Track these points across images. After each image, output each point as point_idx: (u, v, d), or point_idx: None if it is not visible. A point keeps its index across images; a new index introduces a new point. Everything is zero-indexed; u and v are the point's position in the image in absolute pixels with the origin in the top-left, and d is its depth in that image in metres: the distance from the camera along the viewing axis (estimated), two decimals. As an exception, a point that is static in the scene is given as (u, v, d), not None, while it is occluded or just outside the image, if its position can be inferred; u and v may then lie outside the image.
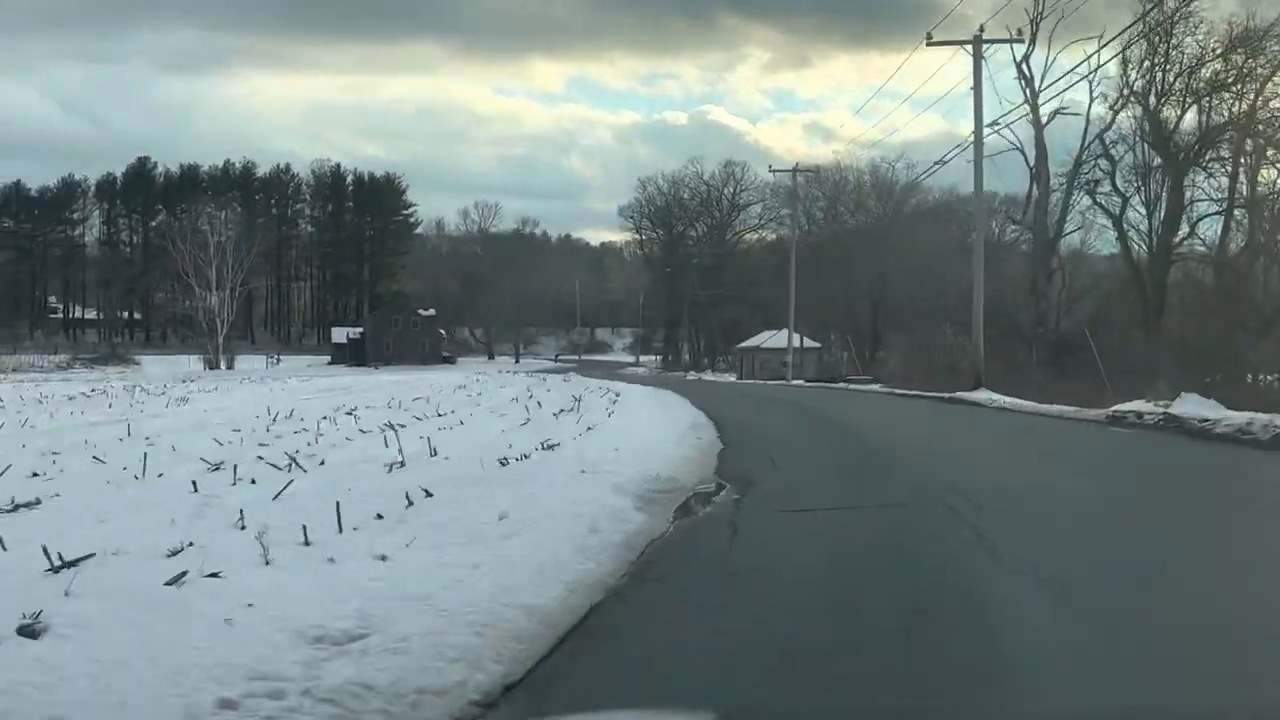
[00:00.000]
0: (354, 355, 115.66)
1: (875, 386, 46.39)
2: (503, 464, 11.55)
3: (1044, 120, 42.59)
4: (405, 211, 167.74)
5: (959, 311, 48.12)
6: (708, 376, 75.48)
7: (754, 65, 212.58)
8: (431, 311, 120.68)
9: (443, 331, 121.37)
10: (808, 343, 71.46)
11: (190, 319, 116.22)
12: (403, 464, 11.86)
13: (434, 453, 13.14)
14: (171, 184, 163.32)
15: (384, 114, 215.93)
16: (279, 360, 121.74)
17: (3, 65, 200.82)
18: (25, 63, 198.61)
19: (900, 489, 10.79)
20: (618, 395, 31.13)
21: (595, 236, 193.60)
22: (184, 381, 67.59)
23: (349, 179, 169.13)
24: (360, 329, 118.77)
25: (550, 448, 13.66)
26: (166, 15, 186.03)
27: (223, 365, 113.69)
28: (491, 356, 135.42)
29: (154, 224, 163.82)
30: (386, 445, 14.35)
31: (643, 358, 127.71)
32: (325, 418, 21.55)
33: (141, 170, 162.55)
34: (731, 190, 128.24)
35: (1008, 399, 28.82)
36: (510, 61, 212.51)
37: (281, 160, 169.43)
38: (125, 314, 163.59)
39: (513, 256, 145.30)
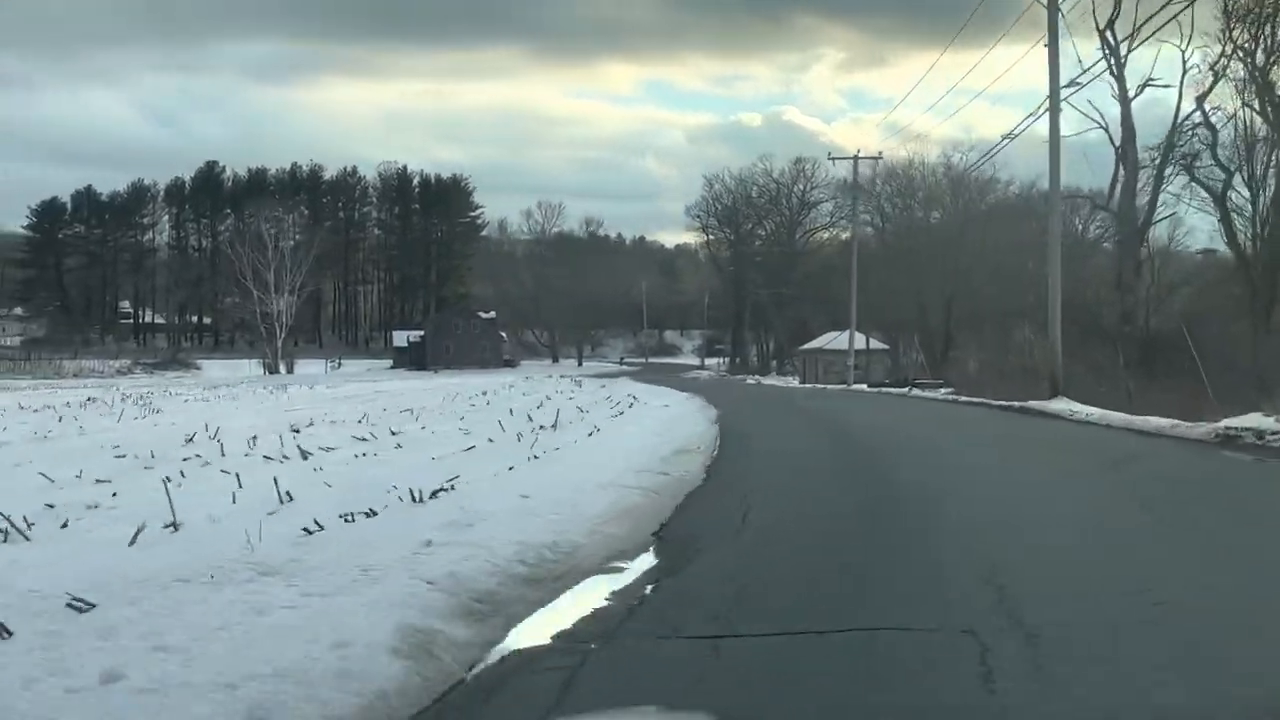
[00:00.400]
0: (414, 359, 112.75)
1: (942, 393, 41.85)
2: (308, 533, 7.54)
3: (1131, 94, 37.81)
4: (472, 213, 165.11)
5: (1037, 310, 43.57)
6: (769, 381, 71.00)
7: (829, 65, 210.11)
8: (492, 314, 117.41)
9: (503, 334, 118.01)
10: (875, 344, 66.84)
11: (250, 323, 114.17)
12: (169, 529, 7.90)
13: (282, 499, 9.25)
14: (239, 188, 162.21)
15: (460, 119, 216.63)
16: (340, 364, 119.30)
17: (91, 75, 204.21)
18: (113, 73, 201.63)
19: (920, 595, 6.42)
20: (632, 403, 27.19)
21: (670, 239, 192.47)
22: (217, 387, 64.73)
23: (415, 181, 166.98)
24: (421, 332, 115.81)
25: (438, 494, 9.64)
26: (251, 26, 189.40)
27: (282, 369, 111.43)
28: (556, 359, 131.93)
29: (222, 228, 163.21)
30: (240, 484, 10.49)
31: (709, 360, 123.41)
32: (254, 438, 17.78)
33: (210, 174, 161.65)
34: (802, 187, 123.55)
35: (1090, 409, 24.22)
36: (584, 65, 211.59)
37: (349, 163, 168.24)
38: (194, 318, 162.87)
39: (579, 258, 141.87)
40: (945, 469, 13.55)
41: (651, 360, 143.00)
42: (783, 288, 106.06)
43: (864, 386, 50.91)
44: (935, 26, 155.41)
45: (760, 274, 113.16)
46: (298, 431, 19.01)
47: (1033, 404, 27.18)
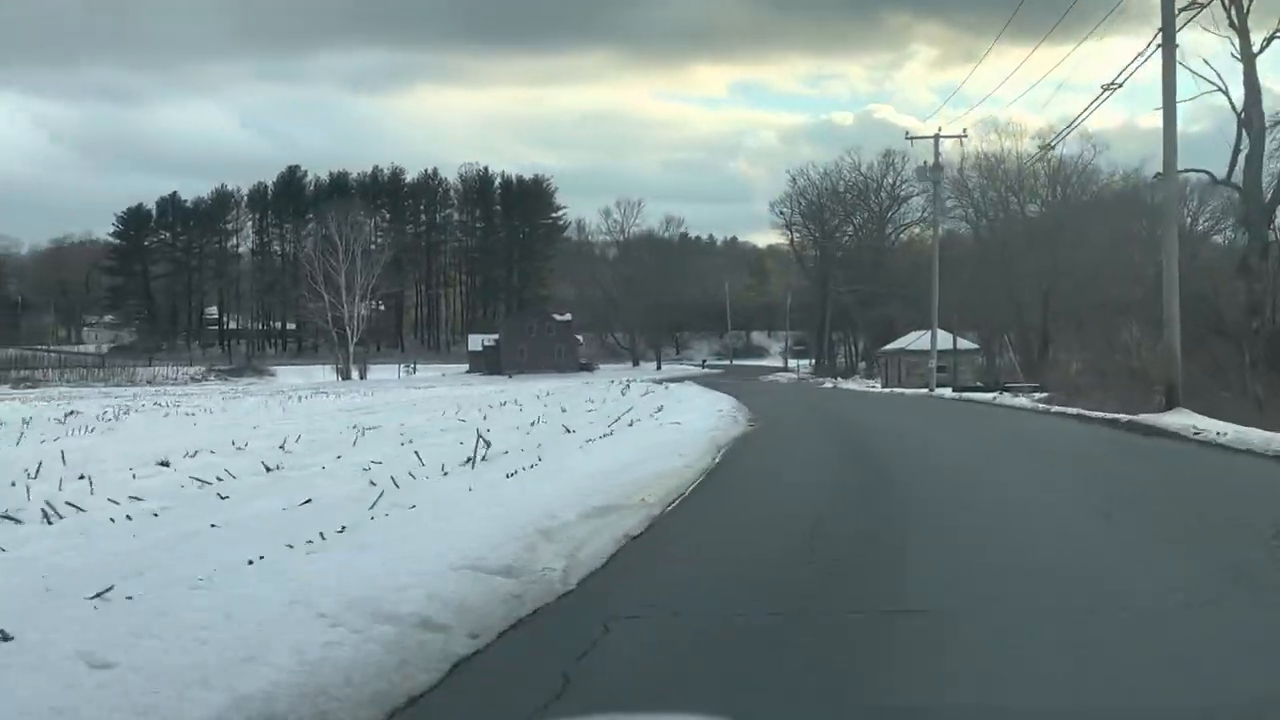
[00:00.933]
0: (489, 363, 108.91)
1: (1035, 398, 36.27)
2: None
3: (1255, 48, 31.91)
4: (554, 214, 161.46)
5: (1144, 306, 37.85)
6: (848, 385, 65.37)
7: (922, 62, 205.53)
8: (567, 316, 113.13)
9: (579, 337, 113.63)
10: (965, 343, 60.94)
11: (324, 328, 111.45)
12: None
13: None
14: (321, 192, 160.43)
15: (553, 124, 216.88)
16: (414, 369, 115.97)
17: (195, 87, 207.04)
18: (216, 85, 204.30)
19: None
20: (653, 414, 22.29)
21: (762, 240, 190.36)
22: (270, 394, 61.15)
23: (497, 182, 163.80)
24: (496, 336, 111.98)
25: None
26: (349, 37, 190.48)
27: (355, 375, 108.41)
28: (636, 363, 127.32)
29: (304, 233, 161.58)
30: None
31: (795, 362, 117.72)
32: (128, 471, 13.36)
33: (292, 179, 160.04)
34: (891, 181, 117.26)
35: (1220, 426, 18.66)
36: (674, 68, 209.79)
37: (430, 165, 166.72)
38: (278, 324, 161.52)
39: (662, 259, 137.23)
40: (1023, 544, 8.40)
41: (736, 362, 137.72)
42: (870, 286, 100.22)
43: (947, 391, 45.32)
44: (1029, 18, 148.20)
45: (846, 272, 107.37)
46: (166, 465, 14.46)
47: (1144, 418, 21.60)
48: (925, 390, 47.04)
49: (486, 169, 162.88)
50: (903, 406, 33.56)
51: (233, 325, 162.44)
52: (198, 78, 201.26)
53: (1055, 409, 28.98)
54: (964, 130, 46.87)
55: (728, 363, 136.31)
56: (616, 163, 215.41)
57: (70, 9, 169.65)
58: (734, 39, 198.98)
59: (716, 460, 14.71)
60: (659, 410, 24.55)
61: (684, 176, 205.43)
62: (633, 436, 16.91)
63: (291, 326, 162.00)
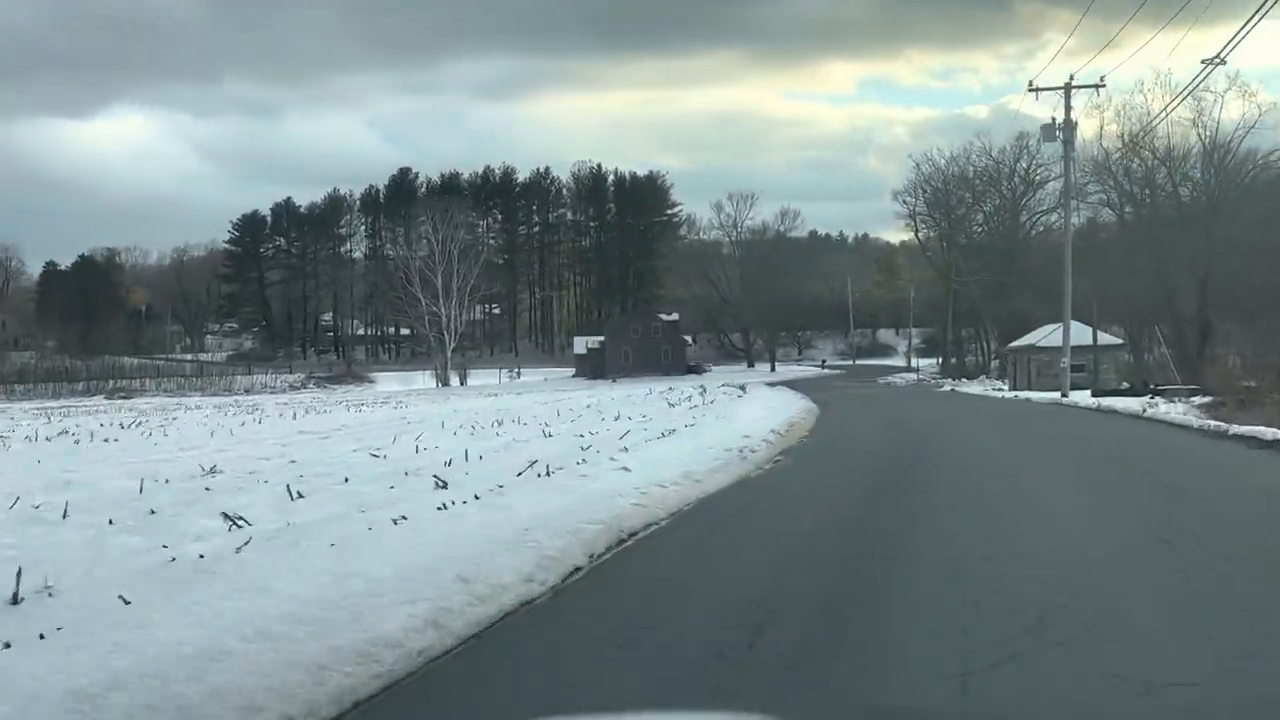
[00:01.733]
0: (592, 367, 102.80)
1: (1193, 408, 28.24)
2: None
3: None
4: (670, 211, 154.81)
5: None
6: (968, 388, 57.02)
7: (1056, 51, 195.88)
8: (674, 316, 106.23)
9: (688, 338, 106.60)
10: (1105, 337, 52.28)
11: (421, 333, 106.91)
12: None
13: None
14: (433, 193, 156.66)
15: (677, 126, 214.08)
16: (518, 374, 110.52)
17: (329, 100, 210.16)
18: (349, 97, 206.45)
19: None
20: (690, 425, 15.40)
21: (895, 236, 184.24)
22: (330, 403, 55.77)
23: (610, 180, 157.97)
24: (600, 338, 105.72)
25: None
26: (478, 45, 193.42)
27: (455, 381, 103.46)
28: (750, 364, 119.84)
29: (414, 235, 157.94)
30: None
31: (919, 361, 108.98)
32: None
33: (403, 181, 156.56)
34: (1025, 165, 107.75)
35: None
36: (801, 66, 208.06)
37: (542, 164, 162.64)
38: (391, 329, 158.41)
39: (781, 255, 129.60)
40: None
41: (859, 362, 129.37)
42: (1001, 278, 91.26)
43: (1084, 396, 37.18)
44: (1170, 3, 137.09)
45: (975, 262, 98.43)
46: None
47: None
48: (1058, 394, 39.00)
49: (599, 166, 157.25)
50: (1018, 423, 25.88)
51: (347, 331, 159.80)
52: (332, 90, 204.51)
53: (1213, 425, 21.25)
54: (1101, 79, 38.15)
55: (850, 363, 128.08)
56: (742, 163, 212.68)
57: (211, 27, 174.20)
58: (862, 34, 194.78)
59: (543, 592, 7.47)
60: (665, 435, 17.60)
61: (812, 175, 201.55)
62: (496, 509, 9.92)
63: (405, 332, 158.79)
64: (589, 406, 30.40)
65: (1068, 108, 36.87)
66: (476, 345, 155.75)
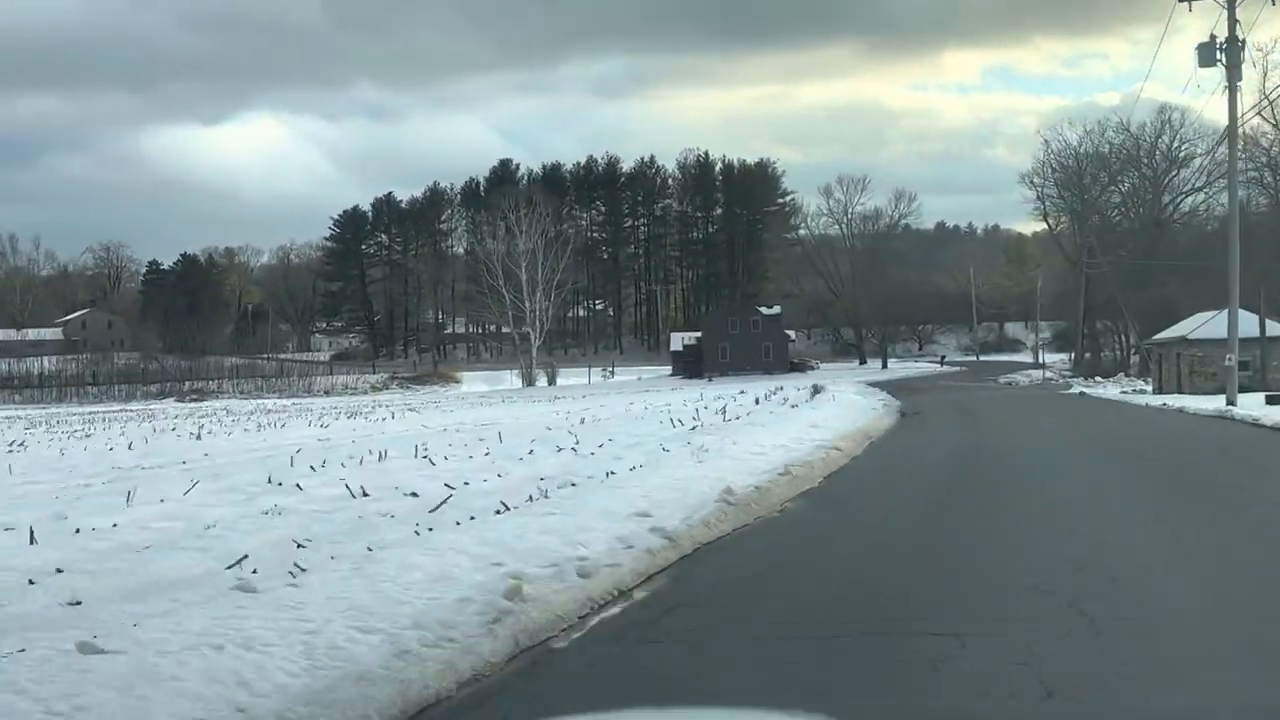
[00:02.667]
0: (688, 365, 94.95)
1: None
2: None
3: None
4: (780, 200, 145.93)
5: None
6: (1103, 390, 47.39)
7: (1195, 35, 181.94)
8: (775, 310, 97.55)
9: (790, 333, 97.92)
10: (1273, 327, 42.50)
11: (506, 332, 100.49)
12: None
13: None
14: (534, 185, 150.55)
15: (794, 120, 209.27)
16: (612, 373, 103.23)
17: (451, 102, 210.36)
18: (471, 98, 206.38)
19: None
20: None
21: (1028, 228, 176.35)
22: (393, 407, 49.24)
23: (718, 169, 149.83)
24: (698, 334, 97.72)
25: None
26: (597, 44, 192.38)
27: (543, 380, 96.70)
28: (862, 360, 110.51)
29: (503, 227, 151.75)
30: None
31: (1050, 357, 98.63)
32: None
33: (504, 173, 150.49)
34: (1168, 141, 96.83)
35: None
36: (923, 56, 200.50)
37: (647, 153, 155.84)
38: (493, 326, 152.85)
39: (897, 244, 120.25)
40: None
41: (982, 358, 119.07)
42: (1142, 261, 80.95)
43: (1256, 404, 28.13)
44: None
45: (1113, 248, 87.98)
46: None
47: None
48: (1220, 400, 29.88)
49: (707, 154, 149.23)
50: (1177, 460, 17.23)
51: (449, 329, 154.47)
52: (454, 93, 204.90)
53: None
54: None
55: (972, 359, 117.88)
56: (861, 157, 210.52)
57: (339, 32, 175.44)
58: (984, 22, 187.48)
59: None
60: (620, 470, 9.95)
61: (936, 168, 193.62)
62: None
63: (506, 330, 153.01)
64: (571, 426, 22.62)
65: (1232, 19, 27.60)
66: (580, 343, 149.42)
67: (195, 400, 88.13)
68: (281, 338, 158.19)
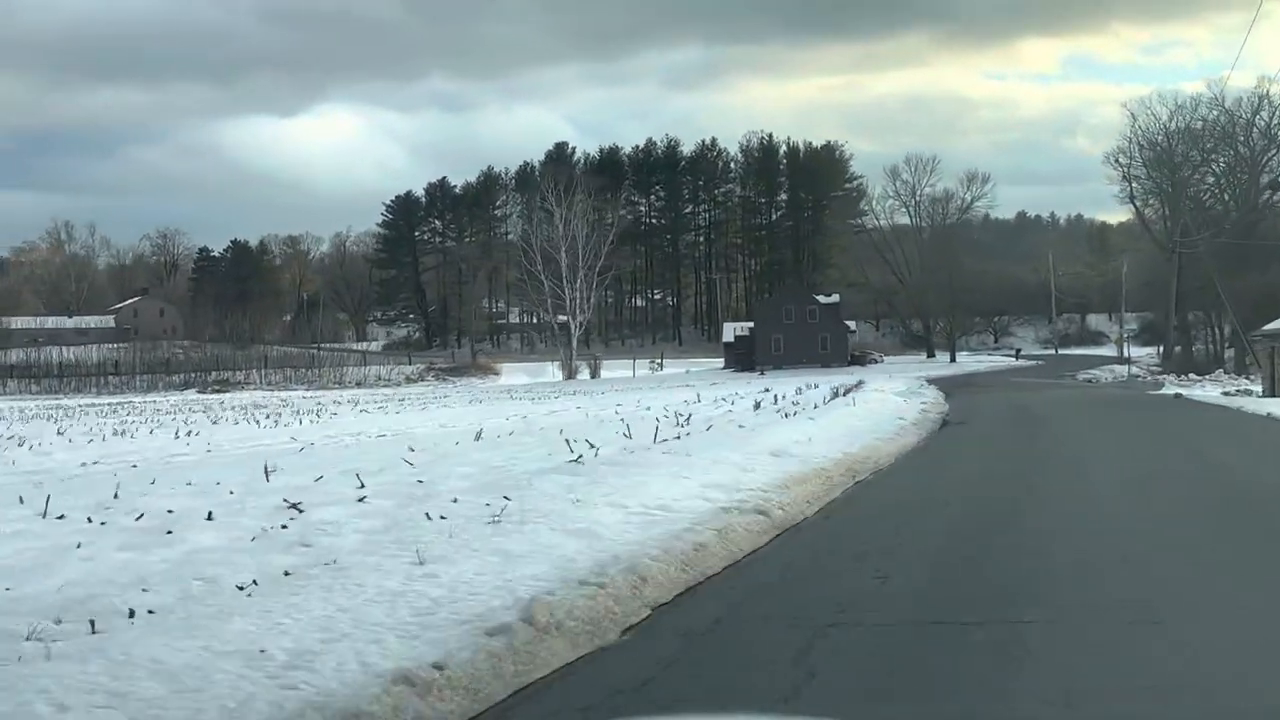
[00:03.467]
0: (740, 357, 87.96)
1: None
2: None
3: None
4: (848, 185, 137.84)
5: None
6: (1200, 390, 39.53)
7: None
8: (834, 298, 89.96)
9: (850, 324, 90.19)
10: None
11: (544, 322, 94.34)
12: None
13: None
14: (591, 169, 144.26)
15: (873, 110, 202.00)
16: (660, 365, 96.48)
17: (527, 93, 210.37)
18: (543, 89, 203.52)
19: None
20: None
21: (1115, 217, 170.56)
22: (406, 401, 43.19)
23: (782, 151, 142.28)
24: (750, 325, 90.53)
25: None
26: (670, 35, 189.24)
27: (585, 373, 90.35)
28: (930, 353, 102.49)
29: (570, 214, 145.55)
30: None
31: (1136, 351, 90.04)
32: None
33: (560, 156, 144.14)
34: (1267, 118, 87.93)
35: None
36: (998, 45, 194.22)
37: (708, 136, 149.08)
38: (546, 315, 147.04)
39: (968, 230, 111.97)
40: None
41: (1062, 352, 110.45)
42: (1246, 244, 72.71)
43: None
44: None
45: (1207, 230, 79.55)
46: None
47: None
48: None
49: (770, 136, 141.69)
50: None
51: (504, 320, 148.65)
52: (527, 84, 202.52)
53: None
54: None
55: (1050, 353, 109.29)
56: (935, 147, 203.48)
57: (414, 24, 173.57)
58: (1062, 9, 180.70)
59: None
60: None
61: (1013, 158, 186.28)
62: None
63: (562, 319, 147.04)
64: (465, 442, 16.05)
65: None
66: (638, 333, 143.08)
67: (218, 391, 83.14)
68: (340, 327, 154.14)
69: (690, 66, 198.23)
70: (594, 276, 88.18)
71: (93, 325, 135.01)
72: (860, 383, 43.35)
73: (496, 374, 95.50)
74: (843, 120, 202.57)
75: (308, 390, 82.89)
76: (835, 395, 28.88)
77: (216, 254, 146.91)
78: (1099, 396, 37.37)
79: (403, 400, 52.96)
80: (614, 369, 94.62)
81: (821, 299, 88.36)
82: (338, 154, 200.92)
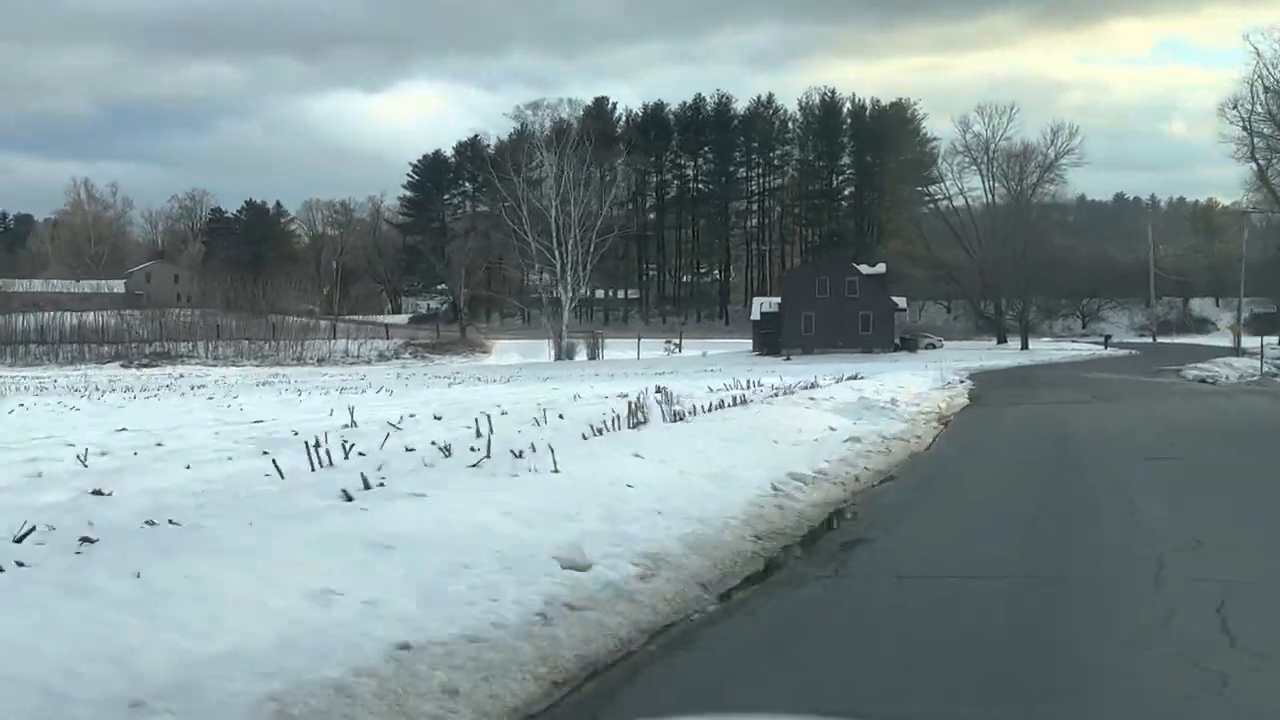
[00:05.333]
0: (767, 338, 72.40)
1: None
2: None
3: None
4: (920, 148, 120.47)
5: None
6: None
7: None
8: (879, 268, 73.71)
9: (898, 301, 73.24)
10: None
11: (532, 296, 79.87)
12: None
13: None
14: (633, 126, 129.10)
15: (951, 93, 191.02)
16: (678, 347, 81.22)
17: (607, 72, 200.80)
18: (622, 68, 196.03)
19: None
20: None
21: (1222, 193, 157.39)
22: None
23: (845, 109, 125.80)
24: (777, 300, 74.55)
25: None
26: (751, 15, 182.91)
27: (583, 353, 75.62)
28: (1002, 338, 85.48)
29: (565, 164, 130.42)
30: None
31: (1248, 340, 72.38)
32: None
33: (599, 113, 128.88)
34: None
35: None
36: (1089, 26, 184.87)
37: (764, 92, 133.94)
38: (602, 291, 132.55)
39: (1051, 197, 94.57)
40: None
41: (1161, 340, 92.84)
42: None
43: None
44: None
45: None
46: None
47: None
48: None
49: (834, 92, 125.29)
50: None
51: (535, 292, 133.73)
52: (607, 62, 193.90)
53: None
54: None
55: (1148, 340, 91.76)
56: (1023, 130, 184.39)
57: (495, 1, 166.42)
58: None
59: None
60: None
61: (1110, 143, 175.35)
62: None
63: (601, 294, 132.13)
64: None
65: None
66: (680, 310, 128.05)
67: (146, 366, 69.89)
68: (374, 298, 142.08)
69: (770, 47, 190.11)
70: (591, 238, 73.27)
71: (104, 291, 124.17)
72: (856, 376, 28.41)
73: (486, 352, 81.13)
74: (926, 101, 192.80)
75: (256, 366, 69.44)
76: (726, 405, 14.07)
77: (231, 215, 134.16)
78: (1229, 410, 21.51)
79: (355, 381, 39.15)
80: (626, 349, 79.58)
81: (865, 269, 72.09)
82: (421, 130, 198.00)
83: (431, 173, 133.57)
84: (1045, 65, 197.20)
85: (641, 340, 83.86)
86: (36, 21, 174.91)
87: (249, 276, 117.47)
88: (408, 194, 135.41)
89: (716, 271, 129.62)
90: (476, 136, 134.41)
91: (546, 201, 73.14)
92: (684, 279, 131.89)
